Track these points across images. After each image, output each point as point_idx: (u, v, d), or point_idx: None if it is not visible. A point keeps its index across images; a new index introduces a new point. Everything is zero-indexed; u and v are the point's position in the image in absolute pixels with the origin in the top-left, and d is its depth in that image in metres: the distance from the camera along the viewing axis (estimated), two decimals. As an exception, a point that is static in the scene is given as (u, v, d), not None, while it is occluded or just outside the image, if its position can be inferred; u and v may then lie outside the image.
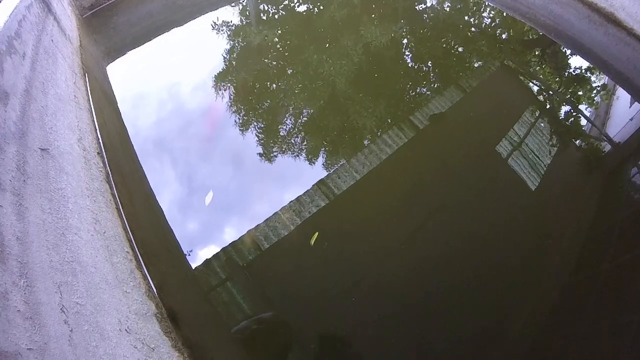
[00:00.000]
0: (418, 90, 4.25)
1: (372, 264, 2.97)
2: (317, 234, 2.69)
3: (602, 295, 3.19)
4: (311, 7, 4.41)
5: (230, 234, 2.81)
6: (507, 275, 3.20)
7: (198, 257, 2.55)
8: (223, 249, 2.62)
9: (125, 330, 1.33)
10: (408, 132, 3.85)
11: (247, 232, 2.90)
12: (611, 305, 3.17)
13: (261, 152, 3.51)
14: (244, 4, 3.93)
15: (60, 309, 1.13)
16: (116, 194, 1.87)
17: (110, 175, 1.92)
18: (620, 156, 3.96)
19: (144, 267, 1.73)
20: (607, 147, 4.12)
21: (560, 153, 4.06)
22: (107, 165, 1.95)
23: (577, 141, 4.22)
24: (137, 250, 1.75)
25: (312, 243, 2.63)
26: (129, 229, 1.79)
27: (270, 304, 2.61)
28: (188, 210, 2.75)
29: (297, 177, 3.54)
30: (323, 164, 3.59)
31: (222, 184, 3.05)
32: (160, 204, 2.34)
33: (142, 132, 2.66)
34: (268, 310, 2.68)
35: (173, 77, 3.10)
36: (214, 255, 2.68)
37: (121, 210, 1.82)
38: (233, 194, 3.12)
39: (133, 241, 1.78)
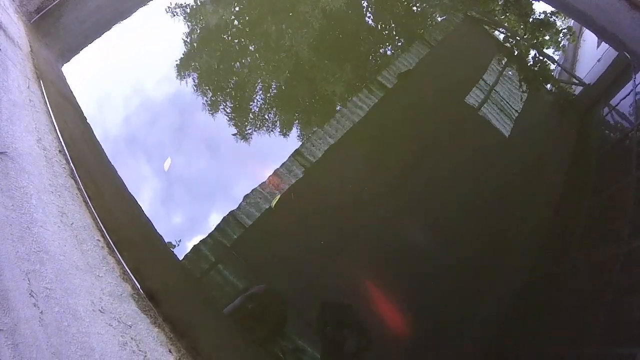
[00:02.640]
0: (383, 50, 4.26)
1: (355, 224, 3.03)
2: (278, 196, 2.77)
3: (585, 229, 3.30)
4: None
5: (212, 218, 2.88)
6: (494, 217, 3.30)
7: (184, 244, 2.63)
8: (209, 234, 2.70)
9: (99, 310, 1.44)
10: (377, 92, 3.88)
11: (230, 212, 2.96)
12: (595, 237, 3.28)
13: (234, 131, 3.55)
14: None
15: (29, 294, 1.24)
16: (82, 188, 1.96)
17: (75, 171, 2.00)
18: (592, 96, 4.00)
19: (117, 253, 1.84)
20: (578, 89, 4.15)
21: (531, 98, 4.09)
22: (71, 162, 2.03)
23: (548, 85, 4.25)
24: (108, 238, 1.86)
25: (273, 206, 2.71)
26: (98, 219, 1.89)
27: (260, 278, 2.67)
28: (165, 198, 2.83)
29: (273, 151, 3.60)
30: (297, 135, 3.65)
31: (198, 171, 3.11)
32: (133, 195, 2.43)
33: (108, 126, 2.72)
34: (259, 284, 2.74)
35: (132, 67, 3.14)
36: (201, 241, 2.75)
37: (89, 202, 1.91)
38: (210, 178, 3.18)
39: (104, 230, 1.88)
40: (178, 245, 2.58)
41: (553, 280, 3.06)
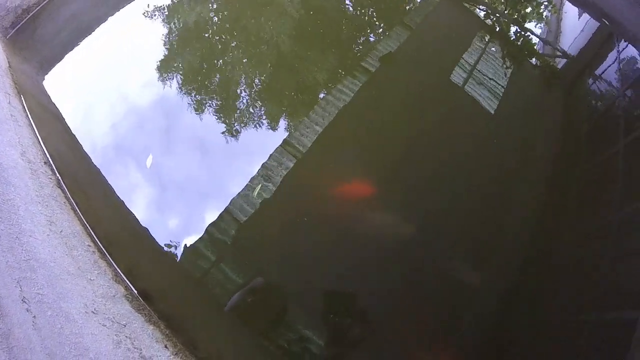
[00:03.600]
0: (364, 35, 4.29)
1: (350, 211, 3.09)
2: (260, 185, 2.82)
3: (578, 199, 3.36)
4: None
5: (207, 216, 2.93)
6: (486, 194, 3.35)
7: (179, 243, 2.69)
8: (205, 232, 2.74)
9: (92, 312, 1.53)
10: (361, 77, 3.92)
11: (224, 209, 3.01)
12: (589, 206, 3.34)
13: (222, 129, 3.61)
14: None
15: (22, 300, 1.32)
16: (70, 196, 2.04)
17: (62, 181, 2.08)
18: (576, 68, 4.03)
19: (108, 256, 1.92)
20: (563, 62, 4.18)
21: (516, 74, 4.12)
22: (57, 172, 2.10)
23: (532, 60, 4.27)
24: (99, 243, 1.94)
25: (255, 195, 2.77)
26: (88, 225, 1.97)
27: (260, 271, 2.73)
28: (158, 200, 2.89)
29: (262, 145, 3.65)
30: (285, 127, 3.70)
31: (188, 171, 3.16)
32: (123, 200, 2.50)
33: (95, 134, 2.78)
34: (257, 277, 2.79)
35: (114, 73, 3.19)
36: (197, 240, 2.80)
37: (77, 210, 1.99)
38: (201, 177, 3.23)
39: (94, 235, 1.96)
40: (173, 245, 2.65)
41: (550, 252, 3.11)
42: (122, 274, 1.90)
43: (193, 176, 3.16)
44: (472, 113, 3.87)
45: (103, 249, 1.94)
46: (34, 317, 1.32)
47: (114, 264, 1.91)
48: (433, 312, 2.72)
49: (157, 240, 2.51)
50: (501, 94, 3.87)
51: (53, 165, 2.12)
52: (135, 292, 1.88)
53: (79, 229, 1.89)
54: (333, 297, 2.67)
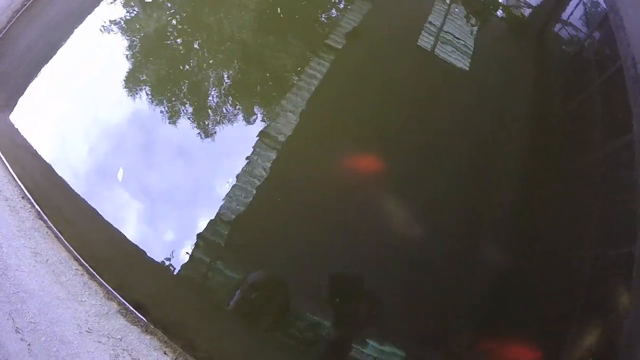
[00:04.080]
0: (326, 13, 4.31)
1: (339, 193, 3.17)
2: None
3: (560, 145, 3.43)
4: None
5: (199, 222, 3.01)
6: (473, 149, 3.43)
7: (173, 252, 2.79)
8: (199, 237, 2.82)
9: (87, 331, 1.66)
10: (329, 56, 3.96)
11: (215, 211, 3.08)
12: (572, 150, 3.41)
13: (199, 133, 3.68)
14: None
15: (15, 331, 1.45)
16: (52, 225, 2.16)
17: (42, 212, 2.20)
18: (542, 15, 4.05)
19: (97, 276, 2.05)
20: (529, 11, 4.19)
21: (484, 29, 4.14)
22: (36, 205, 2.22)
23: (498, 13, 4.27)
24: (87, 265, 2.06)
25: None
26: (73, 250, 2.09)
27: (256, 266, 2.81)
28: (146, 214, 2.99)
29: (241, 142, 3.71)
30: (261, 120, 3.77)
31: (173, 181, 3.24)
32: (109, 220, 2.61)
33: (71, 160, 2.88)
34: (256, 272, 2.88)
35: (82, 96, 3.26)
36: (193, 245, 2.89)
37: (61, 237, 2.11)
38: (186, 184, 3.30)
39: (81, 259, 2.09)
40: (165, 255, 2.76)
41: (542, 197, 3.19)
42: (113, 290, 2.02)
43: (178, 184, 3.25)
44: (446, 75, 3.92)
45: (92, 270, 2.07)
46: (29, 344, 1.45)
47: (104, 283, 2.03)
48: (437, 286, 2.79)
49: (148, 253, 2.62)
50: (472, 52, 3.90)
51: (31, 198, 2.23)
52: (129, 305, 2.01)
53: (64, 255, 2.01)
54: (336, 280, 2.75)
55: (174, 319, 2.18)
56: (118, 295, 1.98)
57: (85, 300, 1.80)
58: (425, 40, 3.96)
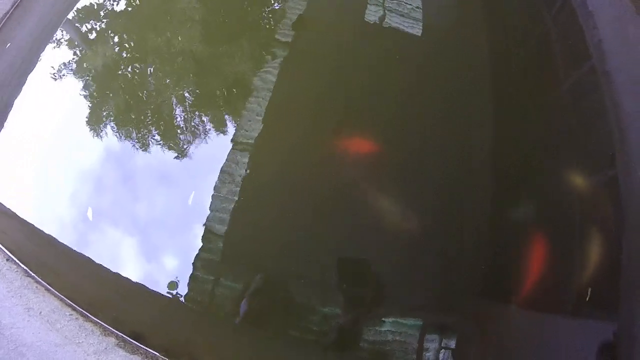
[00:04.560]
0: (269, 9, 4.39)
1: (322, 180, 3.27)
2: (193, 193, 3.01)
3: (525, 83, 3.52)
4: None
5: (191, 243, 3.12)
6: (444, 104, 3.52)
7: (171, 278, 2.92)
8: (195, 258, 2.92)
9: (87, 369, 1.82)
10: (281, 51, 4.05)
11: (204, 227, 3.20)
12: (537, 84, 3.49)
13: (174, 155, 3.79)
14: (65, 37, 4.09)
15: (18, 384, 1.62)
16: (41, 280, 2.32)
17: (29, 270, 2.36)
18: None
19: (92, 317, 2.21)
20: None
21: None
22: (22, 264, 2.38)
23: None
24: (80, 309, 2.23)
25: (190, 203, 2.96)
26: (65, 298, 2.26)
27: (256, 271, 2.93)
28: (139, 248, 3.13)
29: (215, 153, 3.79)
30: (229, 128, 3.86)
31: (157, 210, 3.36)
32: (98, 262, 2.76)
33: (50, 215, 3.02)
34: (255, 277, 2.98)
35: (50, 148, 3.39)
36: (192, 266, 3.02)
37: (51, 289, 2.28)
38: (174, 208, 3.42)
39: (74, 305, 2.25)
40: (162, 281, 2.90)
41: (519, 137, 3.29)
42: (109, 327, 2.19)
43: (161, 210, 3.36)
44: (400, 44, 3.98)
45: (86, 312, 2.23)
46: (32, 393, 1.61)
47: (99, 321, 2.20)
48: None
49: (142, 284, 2.77)
50: (421, 16, 3.95)
51: (16, 259, 2.39)
52: (127, 337, 2.17)
53: (57, 304, 2.18)
54: (339, 268, 2.84)
55: (176, 341, 2.33)
56: (115, 330, 2.14)
57: (82, 341, 1.96)
58: (371, 14, 4.02)
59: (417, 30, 3.90)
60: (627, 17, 3.07)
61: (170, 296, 2.78)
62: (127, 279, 2.76)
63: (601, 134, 3.02)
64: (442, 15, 3.99)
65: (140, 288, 2.74)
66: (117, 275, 2.74)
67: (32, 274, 2.28)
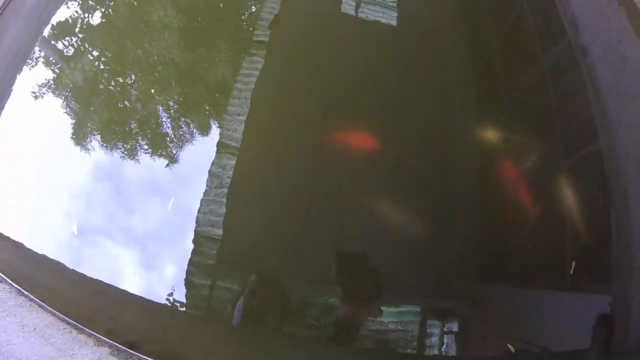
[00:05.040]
0: (244, 11, 4.45)
1: (311, 175, 3.32)
2: (172, 198, 3.07)
3: (505, 64, 3.58)
4: (103, 10, 4.56)
5: (186, 248, 3.18)
6: (430, 101, 3.58)
7: (169, 287, 2.98)
8: (190, 264, 2.92)
9: (82, 379, 1.90)
10: (259, 52, 4.11)
11: (195, 232, 3.25)
12: (517, 67, 3.56)
13: (164, 163, 3.85)
14: (40, 55, 4.17)
15: (15, 397, 1.69)
16: (34, 298, 2.41)
17: (22, 289, 2.44)
18: None
19: (85, 329, 2.29)
20: None
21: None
22: (15, 283, 2.46)
23: None
24: (73, 322, 2.31)
25: (169, 208, 3.02)
26: (58, 313, 2.34)
27: (252, 271, 2.98)
28: (136, 258, 3.19)
29: (202, 158, 3.83)
30: (214, 131, 3.89)
31: (156, 217, 3.41)
32: (89, 276, 2.83)
33: (42, 234, 3.10)
34: (250, 277, 3.02)
35: (38, 169, 3.46)
36: (186, 273, 3.07)
37: (45, 305, 2.36)
38: (170, 216, 3.47)
39: (67, 319, 2.33)
40: (156, 290, 2.96)
41: (502, 119, 3.37)
42: (103, 337, 2.27)
43: (152, 220, 3.42)
44: (377, 34, 4.04)
45: (79, 325, 2.32)
46: (29, 405, 1.69)
47: (93, 333, 2.28)
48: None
49: (135, 293, 2.83)
50: (395, 4, 4.01)
51: (8, 279, 2.48)
52: (120, 346, 2.25)
53: (50, 319, 2.26)
54: (336, 261, 2.90)
55: (171, 347, 2.41)
56: (108, 340, 2.22)
57: (76, 353, 2.04)
58: (347, 6, 4.07)
59: (391, 19, 3.96)
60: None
61: (163, 303, 2.84)
62: (120, 289, 2.82)
63: (582, 113, 3.08)
64: (416, 2, 4.05)
65: (133, 297, 2.80)
66: (110, 286, 2.80)
67: (25, 292, 2.36)
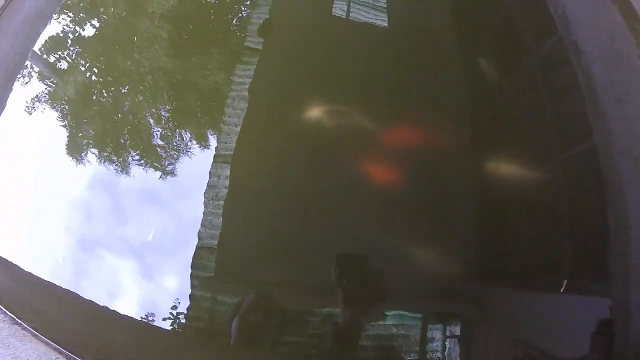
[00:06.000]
0: (233, 17, 4.30)
1: (306, 185, 3.22)
2: (153, 229, 2.95)
3: (497, 57, 3.45)
4: (93, 23, 4.42)
5: (185, 261, 3.08)
6: (426, 96, 3.47)
7: (166, 306, 2.88)
8: (191, 277, 2.88)
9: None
10: (252, 59, 3.97)
11: (196, 245, 3.15)
12: (507, 58, 3.43)
13: (158, 174, 3.74)
14: (32, 70, 4.03)
15: None
16: (27, 326, 2.30)
17: (15, 317, 2.33)
18: None
19: (77, 357, 2.18)
20: None
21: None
22: (8, 311, 2.35)
23: None
24: (66, 352, 2.20)
25: (150, 238, 2.90)
26: (51, 342, 2.23)
27: (250, 285, 2.89)
28: (137, 274, 3.09)
29: (199, 169, 3.74)
30: (210, 142, 3.80)
31: (155, 228, 3.29)
32: (88, 299, 2.72)
33: (39, 254, 3.00)
34: (248, 294, 2.94)
35: (30, 184, 3.35)
36: (190, 287, 2.98)
37: (37, 334, 2.26)
38: (167, 228, 3.36)
39: (59, 347, 2.23)
40: (152, 309, 2.87)
41: (494, 114, 3.26)
42: (94, 362, 2.16)
43: (159, 231, 3.31)
44: (368, 36, 3.90)
45: (69, 353, 2.20)
46: None
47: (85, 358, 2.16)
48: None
49: (132, 316, 2.75)
50: (385, 6, 3.88)
51: (1, 306, 2.35)
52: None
53: (43, 349, 2.17)
54: (336, 266, 2.85)
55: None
56: (100, 367, 2.11)
57: (67, 384, 1.93)
58: (338, 9, 3.93)
59: (382, 20, 3.82)
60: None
61: (159, 322, 2.76)
62: (114, 312, 2.74)
63: (574, 105, 2.97)
64: (406, 2, 3.91)
65: (124, 319, 2.70)
66: (105, 309, 2.72)
67: (19, 321, 2.26)
